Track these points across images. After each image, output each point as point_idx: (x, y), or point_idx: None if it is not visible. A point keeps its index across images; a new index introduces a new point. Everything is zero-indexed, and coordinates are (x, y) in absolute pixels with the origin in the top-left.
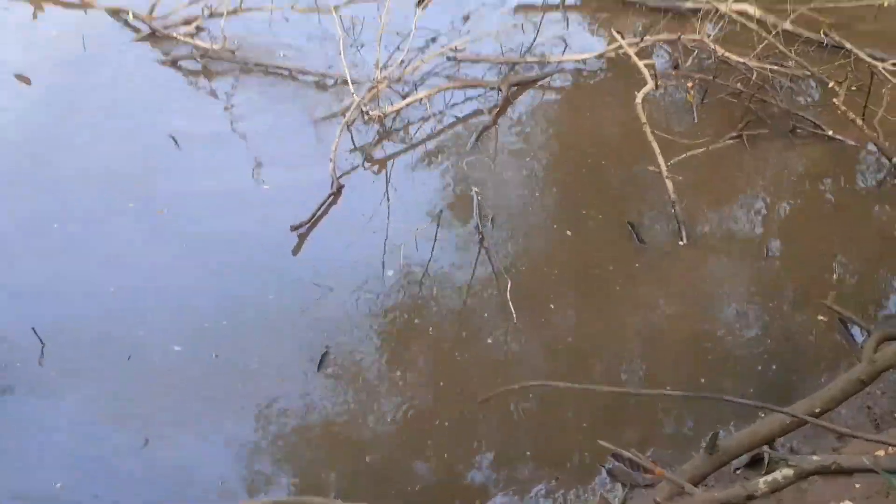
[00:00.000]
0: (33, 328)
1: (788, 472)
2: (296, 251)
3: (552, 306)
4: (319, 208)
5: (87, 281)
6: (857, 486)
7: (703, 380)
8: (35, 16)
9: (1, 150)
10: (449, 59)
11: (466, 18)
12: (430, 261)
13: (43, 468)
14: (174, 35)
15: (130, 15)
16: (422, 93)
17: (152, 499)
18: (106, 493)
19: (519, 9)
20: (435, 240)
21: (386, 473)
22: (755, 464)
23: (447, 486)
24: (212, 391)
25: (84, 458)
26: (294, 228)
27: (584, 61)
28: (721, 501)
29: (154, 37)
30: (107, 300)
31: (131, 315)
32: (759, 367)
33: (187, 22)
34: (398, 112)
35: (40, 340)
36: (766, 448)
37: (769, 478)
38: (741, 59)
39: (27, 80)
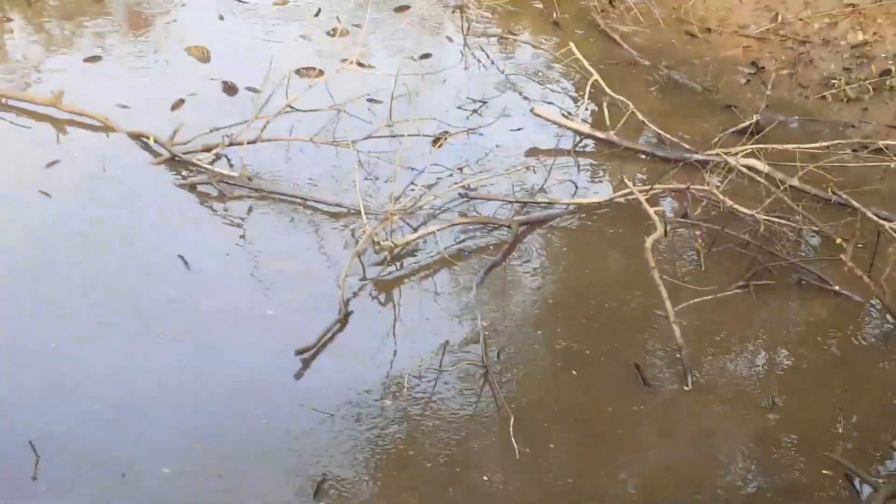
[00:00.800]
0: (30, 441)
1: None
2: (298, 376)
3: (552, 445)
4: (325, 334)
5: (82, 397)
6: None
7: None
8: (58, 139)
9: (7, 263)
10: (461, 195)
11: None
12: (432, 392)
13: None
14: (193, 160)
15: (152, 139)
16: (433, 227)
17: None
18: None
19: (531, 152)
20: (439, 371)
21: None
22: None
23: None
24: None
25: None
26: (299, 353)
27: (593, 204)
28: None
29: (173, 161)
30: (101, 416)
31: (122, 434)
32: None
33: (207, 149)
34: (409, 244)
35: (35, 453)
36: None
37: None
38: (749, 212)
39: (48, 195)
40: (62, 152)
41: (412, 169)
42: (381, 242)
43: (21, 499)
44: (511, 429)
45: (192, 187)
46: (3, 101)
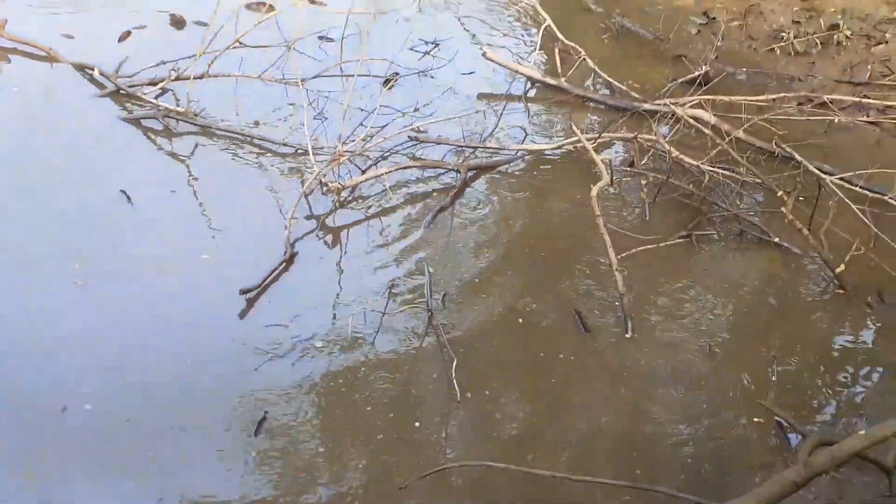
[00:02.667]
0: None
1: None
2: (242, 315)
3: (488, 392)
4: (271, 274)
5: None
6: None
7: (638, 471)
8: (0, 68)
9: None
10: (410, 138)
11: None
12: (376, 334)
13: None
14: (139, 94)
15: (96, 71)
16: (381, 169)
17: None
18: None
19: (481, 96)
20: (384, 313)
21: None
22: None
23: None
24: (139, 450)
25: None
26: (243, 292)
27: (541, 151)
28: None
29: (118, 94)
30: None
31: (53, 371)
32: (695, 464)
33: (153, 83)
34: (357, 185)
35: None
36: None
37: None
38: (694, 162)
39: None
40: (4, 82)
41: (362, 110)
42: (329, 183)
43: None
44: (454, 370)
45: (137, 122)
46: None
